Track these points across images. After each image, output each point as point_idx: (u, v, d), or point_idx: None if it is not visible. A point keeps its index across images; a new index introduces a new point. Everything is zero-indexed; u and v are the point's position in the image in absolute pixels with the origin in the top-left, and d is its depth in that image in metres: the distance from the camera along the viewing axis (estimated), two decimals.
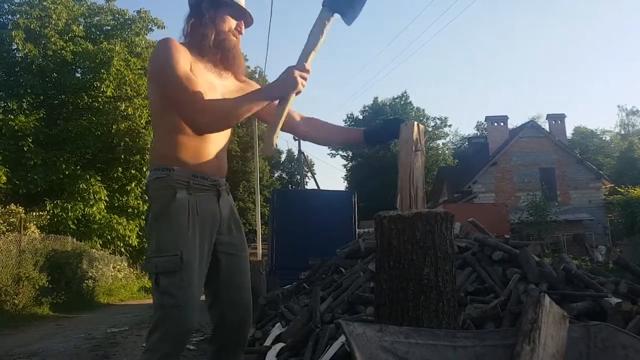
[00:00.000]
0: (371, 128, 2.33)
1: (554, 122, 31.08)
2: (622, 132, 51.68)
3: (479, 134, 48.65)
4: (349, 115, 52.42)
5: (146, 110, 18.77)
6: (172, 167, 2.05)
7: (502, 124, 31.27)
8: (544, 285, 3.74)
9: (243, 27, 2.32)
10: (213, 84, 2.18)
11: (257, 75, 38.97)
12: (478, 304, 3.59)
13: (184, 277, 1.97)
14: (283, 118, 2.07)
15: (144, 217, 19.36)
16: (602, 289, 3.65)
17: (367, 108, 51.23)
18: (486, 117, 32.28)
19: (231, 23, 2.26)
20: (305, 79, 2.03)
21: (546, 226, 23.24)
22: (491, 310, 3.37)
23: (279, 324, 4.46)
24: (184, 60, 2.05)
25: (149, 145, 18.22)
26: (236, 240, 2.25)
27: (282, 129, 2.17)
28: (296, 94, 2.05)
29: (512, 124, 33.80)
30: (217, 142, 2.20)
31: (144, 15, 21.40)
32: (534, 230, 22.78)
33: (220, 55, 2.23)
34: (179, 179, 2.04)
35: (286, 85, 2.02)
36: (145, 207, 19.27)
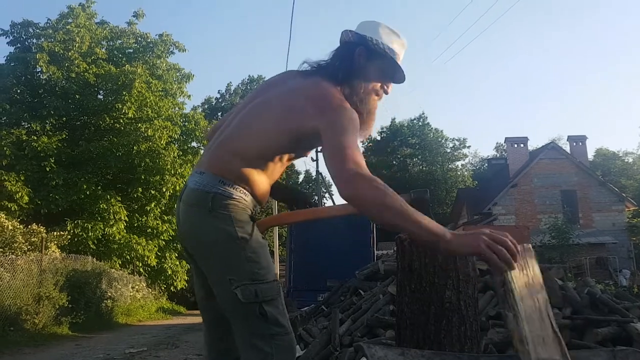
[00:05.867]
0: None
1: (575, 143, 30.79)
2: None
3: (498, 155, 48.34)
4: (367, 137, 52.45)
5: (166, 131, 19.01)
6: (247, 192, 1.93)
7: (522, 145, 31.03)
8: (567, 310, 3.67)
9: (391, 88, 2.07)
10: None
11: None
12: (500, 329, 3.53)
13: (283, 302, 1.93)
14: None
15: (163, 237, 19.44)
16: (628, 314, 3.58)
17: (385, 129, 51.30)
18: (506, 138, 32.10)
19: (377, 82, 2.02)
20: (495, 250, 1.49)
21: (568, 249, 22.89)
22: None
23: (297, 346, 4.42)
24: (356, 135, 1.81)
25: (168, 166, 18.39)
26: None
27: None
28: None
29: (532, 145, 33.59)
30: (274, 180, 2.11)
31: (166, 38, 21.81)
32: (556, 253, 22.43)
33: (365, 119, 2.01)
34: (250, 206, 1.95)
35: (464, 246, 1.53)
36: (165, 227, 19.38)
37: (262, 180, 1.97)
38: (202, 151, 21.26)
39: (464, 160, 52.65)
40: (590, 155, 39.38)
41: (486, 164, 43.98)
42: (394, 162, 48.49)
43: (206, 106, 46.71)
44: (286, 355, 1.88)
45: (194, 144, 22.38)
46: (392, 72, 2.03)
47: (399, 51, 2.02)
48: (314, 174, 41.47)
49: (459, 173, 50.02)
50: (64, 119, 18.97)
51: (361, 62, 1.97)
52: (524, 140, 31.30)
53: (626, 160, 50.52)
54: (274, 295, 1.88)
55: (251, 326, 1.87)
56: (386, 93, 2.06)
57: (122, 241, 17.40)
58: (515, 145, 30.97)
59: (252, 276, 1.85)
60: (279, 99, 1.97)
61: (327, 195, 40.05)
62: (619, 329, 3.34)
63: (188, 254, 2.08)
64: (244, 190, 1.91)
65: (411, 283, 1.95)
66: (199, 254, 1.99)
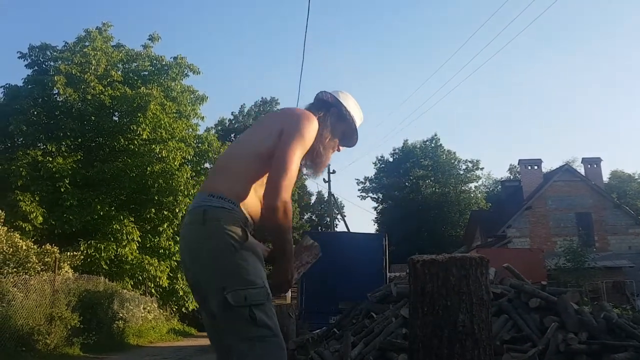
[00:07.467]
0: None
1: (589, 165, 30.56)
2: None
3: (512, 177, 48.04)
4: (379, 158, 52.45)
5: (179, 152, 19.16)
6: (238, 205, 2.14)
7: (535, 167, 30.87)
8: (583, 335, 3.61)
9: (342, 149, 2.52)
10: None
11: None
12: (515, 353, 3.48)
13: (271, 307, 2.08)
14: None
15: (175, 258, 19.43)
16: None
17: (397, 150, 51.28)
18: (519, 160, 31.97)
19: (337, 140, 2.46)
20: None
21: (584, 273, 22.53)
22: None
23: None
24: (307, 148, 2.25)
25: (181, 187, 18.48)
26: None
27: None
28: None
29: (546, 167, 33.37)
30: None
31: (180, 61, 22.05)
32: (572, 277, 22.08)
33: (316, 159, 2.41)
34: (242, 218, 2.14)
35: (281, 279, 2.20)
36: (177, 248, 19.37)
37: (251, 196, 2.18)
38: None
39: (477, 182, 52.34)
40: (606, 177, 39.05)
41: (500, 186, 43.72)
42: (407, 184, 48.36)
43: (219, 127, 47.02)
44: (275, 356, 2.01)
45: (207, 165, 22.49)
46: (350, 137, 2.51)
47: (358, 122, 2.50)
48: (326, 195, 41.52)
49: (472, 195, 49.66)
50: (79, 140, 19.18)
51: (332, 119, 2.42)
52: (538, 162, 31.15)
53: None
54: (262, 300, 2.03)
55: (241, 330, 2.01)
56: (338, 151, 2.50)
57: (134, 262, 17.42)
58: (529, 167, 30.82)
59: (242, 281, 2.02)
60: (261, 123, 2.41)
61: (339, 216, 39.92)
62: (636, 354, 3.27)
63: (190, 284, 2.24)
64: (232, 200, 2.13)
65: (424, 306, 1.93)
66: (195, 268, 2.13)
